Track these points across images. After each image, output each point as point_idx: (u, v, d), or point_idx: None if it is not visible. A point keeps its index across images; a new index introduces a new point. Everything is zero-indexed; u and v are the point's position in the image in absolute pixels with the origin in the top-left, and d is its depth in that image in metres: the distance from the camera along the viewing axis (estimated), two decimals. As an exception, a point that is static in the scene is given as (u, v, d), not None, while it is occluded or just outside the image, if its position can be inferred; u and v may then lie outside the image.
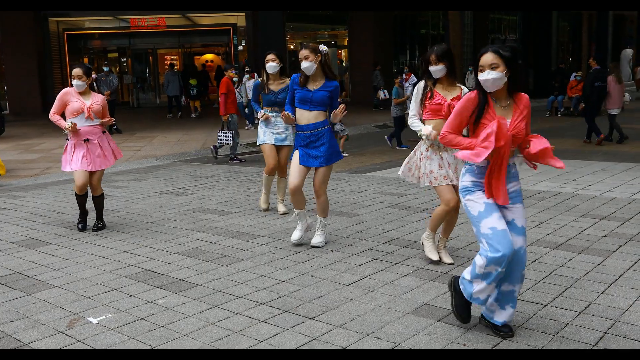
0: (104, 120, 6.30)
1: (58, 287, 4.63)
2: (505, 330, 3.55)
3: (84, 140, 6.21)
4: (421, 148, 4.86)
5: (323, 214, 5.50)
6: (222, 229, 6.22)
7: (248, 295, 4.35)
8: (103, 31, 25.01)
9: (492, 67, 3.38)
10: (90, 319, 4.00)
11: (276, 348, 3.52)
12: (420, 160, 4.86)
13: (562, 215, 6.33)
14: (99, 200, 6.45)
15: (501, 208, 3.49)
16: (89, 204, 6.50)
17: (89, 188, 6.40)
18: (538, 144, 3.43)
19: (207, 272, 4.87)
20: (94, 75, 16.33)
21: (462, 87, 4.80)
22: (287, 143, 6.71)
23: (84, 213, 6.45)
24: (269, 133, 6.75)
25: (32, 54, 22.29)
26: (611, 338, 3.51)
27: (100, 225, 6.38)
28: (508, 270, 3.45)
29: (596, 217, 6.22)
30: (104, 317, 4.03)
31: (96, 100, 6.26)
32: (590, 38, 32.73)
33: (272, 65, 6.59)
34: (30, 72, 22.28)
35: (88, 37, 25.37)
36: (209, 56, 27.81)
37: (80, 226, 6.39)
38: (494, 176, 3.42)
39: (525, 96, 3.52)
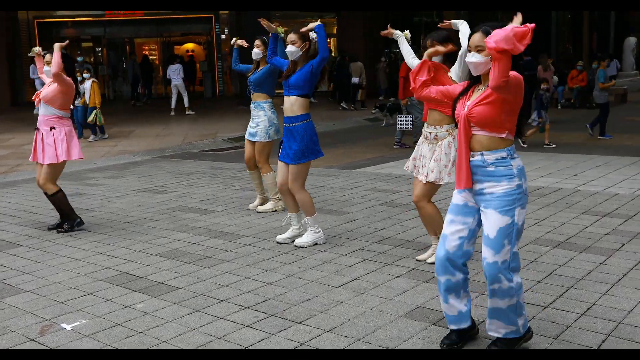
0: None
1: (29, 291, 4.60)
2: (494, 345, 3.40)
3: (35, 129, 6.17)
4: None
5: (305, 212, 5.46)
6: (204, 228, 6.21)
7: (232, 298, 4.34)
8: (76, 19, 24.82)
9: (478, 49, 3.18)
10: (64, 325, 3.98)
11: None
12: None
13: (563, 212, 6.37)
14: (51, 200, 6.23)
15: (480, 211, 3.32)
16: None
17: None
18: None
19: (188, 275, 4.85)
20: None
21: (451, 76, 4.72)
22: (257, 139, 6.71)
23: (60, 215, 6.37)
24: (249, 126, 6.86)
25: (0, 44, 22.07)
26: (614, 341, 3.53)
27: (67, 228, 6.15)
28: (487, 281, 3.29)
29: (598, 214, 6.26)
30: (78, 323, 4.00)
31: (51, 86, 6.05)
32: (591, 27, 32.91)
33: (255, 51, 6.68)
34: (-1, 63, 22.09)
35: (60, 25, 25.15)
36: (189, 45, 27.71)
37: (49, 226, 6.38)
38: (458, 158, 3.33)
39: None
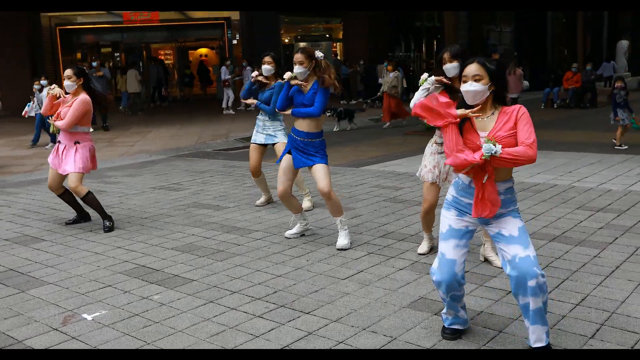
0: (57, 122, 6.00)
1: (52, 283, 4.61)
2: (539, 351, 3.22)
3: (58, 141, 6.21)
4: (430, 143, 4.86)
5: (337, 213, 5.32)
6: (217, 224, 6.21)
7: (243, 290, 4.34)
8: (95, 26, 24.88)
9: (475, 79, 3.17)
10: (85, 315, 3.99)
11: (272, 343, 3.52)
12: (430, 154, 4.83)
13: (558, 207, 6.34)
14: (84, 201, 6.16)
15: (486, 225, 3.30)
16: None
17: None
18: None
19: (202, 268, 4.86)
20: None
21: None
22: (277, 140, 6.65)
23: (75, 211, 6.51)
24: (259, 133, 6.78)
25: (24, 49, 22.15)
26: (607, 330, 3.52)
27: (108, 225, 6.07)
28: (518, 283, 3.17)
29: (592, 209, 6.23)
30: (98, 313, 4.01)
31: (70, 104, 6.03)
32: (585, 29, 32.76)
33: (266, 68, 6.54)
34: (22, 67, 22.14)
35: (80, 32, 25.24)
36: (202, 50, 27.75)
37: (67, 221, 6.47)
38: (479, 194, 3.18)
39: (516, 107, 3.21)
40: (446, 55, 4.55)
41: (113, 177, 9.28)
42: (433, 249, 5.05)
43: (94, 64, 16.75)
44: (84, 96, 6.05)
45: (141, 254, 5.28)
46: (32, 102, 13.01)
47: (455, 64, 4.50)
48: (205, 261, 5.02)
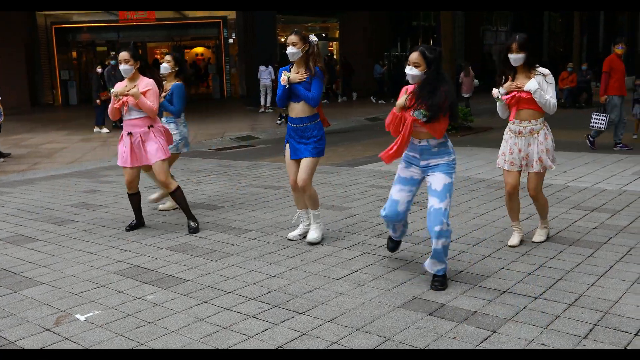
0: (130, 92, 5.64)
1: (45, 284, 4.60)
2: (435, 284, 4.22)
3: (128, 134, 5.81)
4: (506, 129, 5.12)
5: (312, 206, 5.38)
6: (211, 223, 6.20)
7: (237, 290, 4.33)
8: (91, 24, 24.85)
9: (415, 65, 4.04)
10: (78, 316, 3.97)
11: (265, 343, 3.51)
12: (504, 141, 5.10)
13: (553, 207, 6.34)
14: (173, 196, 5.93)
15: (426, 178, 4.25)
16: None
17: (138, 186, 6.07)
18: None
19: (197, 268, 4.85)
20: (99, 70, 15.14)
21: (537, 73, 4.85)
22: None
23: (136, 216, 6.15)
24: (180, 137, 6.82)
25: (19, 48, 22.06)
26: (601, 330, 3.52)
27: (194, 226, 5.87)
28: (429, 226, 4.11)
29: (587, 208, 6.24)
30: (91, 314, 4.00)
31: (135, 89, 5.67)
32: (582, 29, 32.82)
33: (164, 66, 6.55)
34: (18, 66, 22.07)
35: (76, 30, 25.20)
36: (199, 49, 27.74)
37: (127, 227, 6.10)
38: (397, 142, 4.24)
39: None
40: (514, 46, 4.78)
41: (107, 177, 9.26)
42: (523, 241, 5.16)
43: (113, 62, 16.24)
44: (149, 80, 5.81)
45: (135, 254, 5.26)
46: None
47: (521, 55, 4.76)
48: (199, 261, 5.01)
